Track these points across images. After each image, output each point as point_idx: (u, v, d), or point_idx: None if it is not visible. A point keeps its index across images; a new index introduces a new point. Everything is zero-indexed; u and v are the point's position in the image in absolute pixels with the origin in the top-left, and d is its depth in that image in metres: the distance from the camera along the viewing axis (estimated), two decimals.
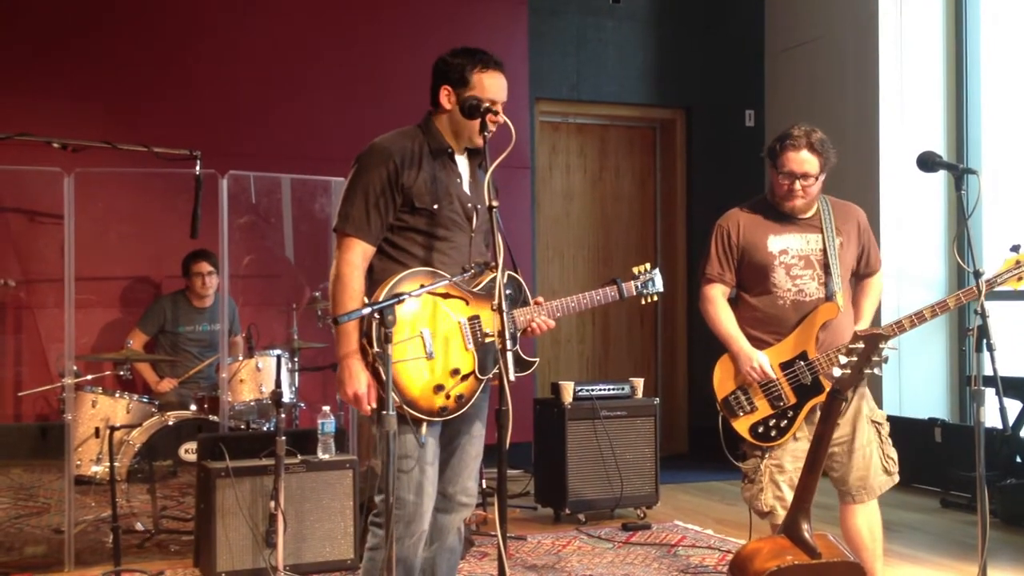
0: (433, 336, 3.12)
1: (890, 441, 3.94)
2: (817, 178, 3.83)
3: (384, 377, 2.98)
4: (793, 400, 3.83)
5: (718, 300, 3.97)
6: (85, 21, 6.67)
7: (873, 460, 3.89)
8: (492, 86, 3.21)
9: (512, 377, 2.83)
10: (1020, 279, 3.70)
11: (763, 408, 3.85)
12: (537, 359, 3.42)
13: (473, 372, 3.20)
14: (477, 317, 3.21)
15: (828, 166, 3.84)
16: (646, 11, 8.24)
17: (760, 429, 3.85)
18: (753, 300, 3.94)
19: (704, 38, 8.41)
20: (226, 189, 5.13)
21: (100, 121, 6.33)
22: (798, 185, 3.81)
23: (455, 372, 3.16)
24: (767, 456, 3.85)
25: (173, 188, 5.83)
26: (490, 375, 3.24)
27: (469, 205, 3.28)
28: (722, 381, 3.91)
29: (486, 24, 7.29)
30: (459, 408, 3.18)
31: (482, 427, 3.38)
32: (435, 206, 3.19)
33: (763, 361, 3.82)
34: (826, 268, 3.85)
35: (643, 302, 3.62)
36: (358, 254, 3.16)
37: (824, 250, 3.86)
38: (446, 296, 3.16)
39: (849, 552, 3.62)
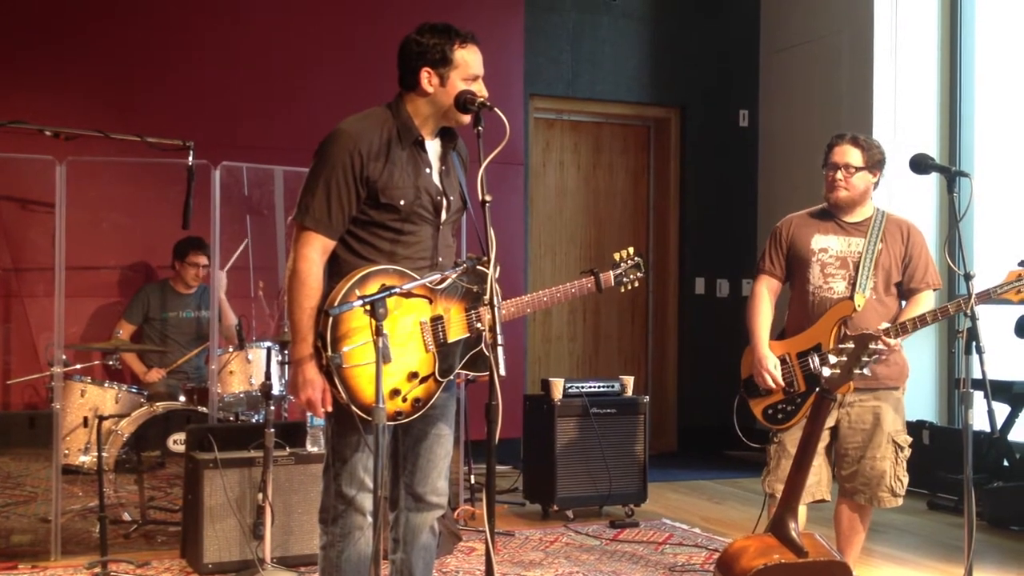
0: (392, 338, 2.96)
1: (904, 466, 4.11)
2: (859, 170, 4.07)
3: (336, 380, 2.94)
4: (803, 388, 4.07)
5: (759, 296, 4.25)
6: (80, 10, 6.64)
7: (884, 474, 4.06)
8: (474, 61, 3.12)
9: (503, 371, 2.81)
10: (1019, 292, 3.76)
11: (777, 393, 4.12)
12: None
13: (432, 375, 3.09)
14: (440, 318, 3.10)
15: (873, 163, 4.10)
16: (642, 9, 8.24)
17: (770, 411, 4.14)
18: (793, 294, 4.24)
19: (700, 38, 8.41)
20: (218, 180, 5.12)
21: (93, 110, 6.30)
22: (840, 175, 4.08)
23: (413, 375, 3.06)
24: (778, 438, 4.13)
25: (166, 178, 5.81)
26: (451, 376, 3.15)
27: (438, 197, 3.13)
28: (748, 364, 4.20)
29: (482, 19, 7.26)
30: (415, 412, 3.08)
31: (448, 427, 3.29)
32: (401, 202, 3.05)
33: (773, 370, 4.09)
34: (857, 269, 4.06)
35: (622, 290, 3.47)
36: (316, 249, 3.04)
37: (861, 253, 4.07)
38: (408, 295, 3.02)
39: (836, 552, 3.64)
